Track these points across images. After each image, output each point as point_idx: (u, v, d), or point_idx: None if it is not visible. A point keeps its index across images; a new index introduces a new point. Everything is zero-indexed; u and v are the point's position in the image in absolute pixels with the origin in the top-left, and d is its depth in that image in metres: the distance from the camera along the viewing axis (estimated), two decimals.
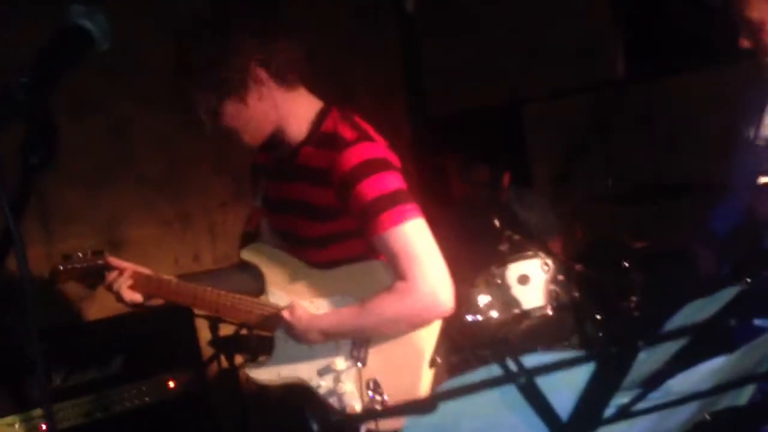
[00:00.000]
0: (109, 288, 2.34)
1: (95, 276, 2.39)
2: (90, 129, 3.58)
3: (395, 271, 2.00)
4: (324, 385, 2.13)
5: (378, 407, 1.95)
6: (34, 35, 2.04)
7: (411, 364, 2.07)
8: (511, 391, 0.75)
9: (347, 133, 2.07)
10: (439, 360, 2.09)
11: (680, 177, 3.78)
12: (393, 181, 2.03)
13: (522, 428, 0.78)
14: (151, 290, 2.33)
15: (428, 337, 2.08)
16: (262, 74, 2.05)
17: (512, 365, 0.74)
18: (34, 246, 3.41)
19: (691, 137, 3.85)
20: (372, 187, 1.99)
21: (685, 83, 4.19)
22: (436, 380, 2.11)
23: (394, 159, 2.11)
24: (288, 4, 4.03)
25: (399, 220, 1.97)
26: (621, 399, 0.84)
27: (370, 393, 1.98)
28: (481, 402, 0.78)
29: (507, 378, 0.74)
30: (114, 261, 2.37)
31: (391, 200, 1.99)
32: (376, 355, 2.08)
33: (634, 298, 3.55)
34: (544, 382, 0.76)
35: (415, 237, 1.98)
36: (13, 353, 2.83)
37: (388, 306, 2.01)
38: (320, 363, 2.14)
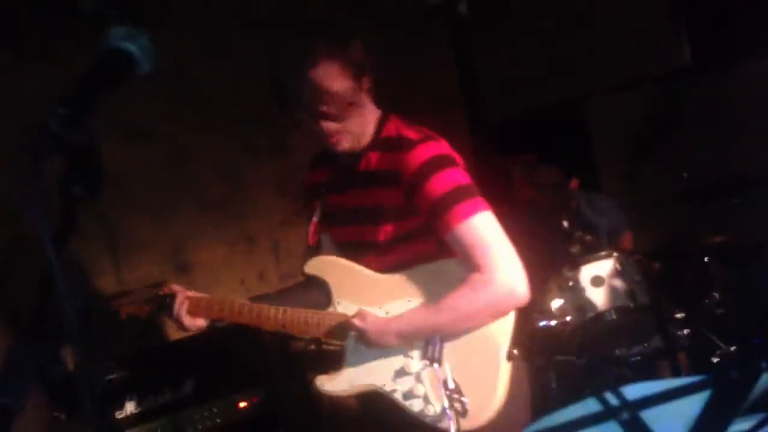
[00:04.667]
0: (169, 316, 2.36)
1: (154, 306, 2.39)
2: (150, 157, 3.61)
3: (469, 263, 2.01)
4: (399, 389, 2.11)
5: (457, 406, 1.92)
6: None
7: (488, 359, 2.05)
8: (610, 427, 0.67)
9: (411, 134, 2.12)
10: (516, 352, 2.06)
11: (759, 167, 3.61)
12: (460, 176, 2.07)
13: None
14: (213, 314, 2.33)
15: (503, 329, 2.07)
16: (371, 64, 2.12)
17: (613, 399, 0.66)
18: (104, 276, 3.45)
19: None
20: (440, 183, 2.03)
21: (757, 69, 4.00)
22: (515, 373, 2.08)
23: (458, 157, 2.15)
24: (339, 19, 4.09)
25: (469, 212, 1.99)
26: (740, 426, 0.74)
27: (448, 393, 1.94)
28: None
29: (609, 414, 0.65)
30: (172, 287, 2.38)
31: (460, 194, 2.02)
32: (451, 353, 2.05)
33: (716, 295, 3.39)
34: (649, 413, 0.68)
35: (486, 228, 2.00)
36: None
37: (465, 299, 2.00)
38: (394, 367, 2.12)
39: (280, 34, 2.36)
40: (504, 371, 2.05)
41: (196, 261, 3.76)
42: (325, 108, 2.05)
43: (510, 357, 2.05)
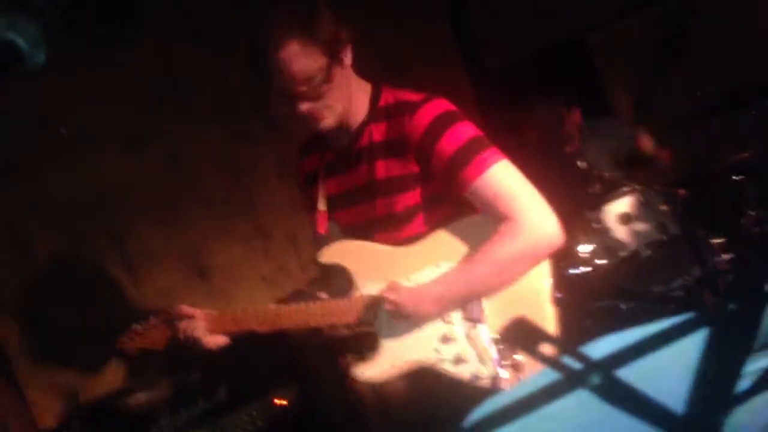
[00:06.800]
0: (186, 339, 2.19)
1: (169, 333, 2.25)
2: (148, 162, 3.51)
3: (495, 216, 1.92)
4: (446, 358, 1.99)
5: (510, 362, 1.81)
6: None
7: (531, 307, 1.95)
8: (581, 398, 0.54)
9: (411, 96, 2.04)
10: (559, 295, 1.98)
11: None
12: (470, 130, 1.98)
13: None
14: (230, 327, 2.19)
15: (540, 274, 1.97)
16: (349, 40, 1.99)
17: (573, 362, 0.53)
18: (122, 293, 3.38)
19: None
20: (452, 140, 1.94)
21: None
22: (563, 317, 1.98)
23: (461, 112, 2.05)
24: None
25: (487, 164, 1.91)
26: (759, 362, 0.61)
27: (499, 349, 1.85)
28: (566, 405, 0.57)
29: (572, 381, 0.52)
30: (183, 309, 2.22)
31: (473, 148, 1.94)
32: (492, 310, 1.96)
33: (751, 213, 3.22)
34: (633, 373, 0.54)
35: (506, 177, 1.92)
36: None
37: (498, 251, 1.92)
38: (435, 336, 2.01)
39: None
40: (551, 316, 1.95)
41: (214, 264, 3.67)
42: (297, 89, 1.94)
43: (555, 301, 1.96)
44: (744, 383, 0.60)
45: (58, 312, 3.24)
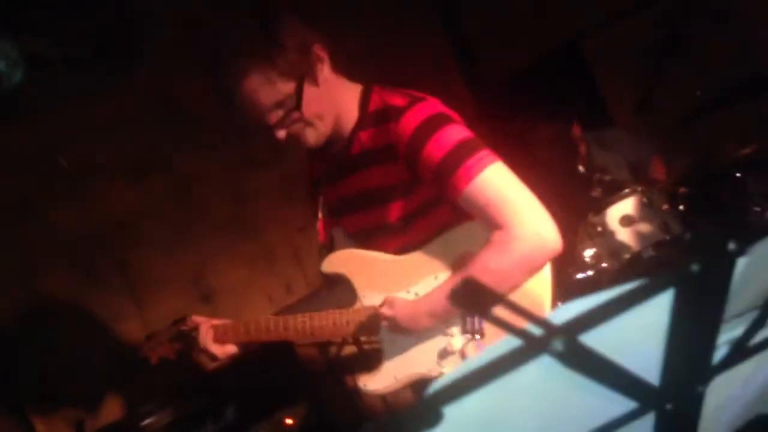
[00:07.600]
0: (198, 349, 2.25)
1: (182, 343, 2.31)
2: (153, 188, 3.53)
3: (489, 223, 1.83)
4: (446, 371, 1.92)
5: None
6: None
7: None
8: (544, 366, 0.51)
9: (397, 101, 1.95)
10: (561, 304, 1.88)
11: None
12: (458, 133, 1.88)
13: (600, 408, 0.55)
14: (240, 337, 2.22)
15: (542, 284, 1.91)
16: (322, 52, 1.94)
17: (534, 328, 0.51)
18: (127, 321, 3.39)
19: None
20: (438, 146, 1.85)
21: None
22: None
23: (452, 113, 1.96)
24: (324, 5, 3.98)
25: (476, 170, 1.82)
26: (732, 332, 0.59)
27: None
28: (532, 379, 0.55)
29: (534, 347, 0.50)
30: (195, 319, 2.29)
31: (461, 153, 1.84)
32: None
33: (756, 208, 3.19)
34: (593, 336, 0.52)
35: (498, 181, 1.82)
36: None
37: (492, 261, 1.82)
38: (435, 349, 1.99)
39: None
40: None
41: (218, 287, 3.67)
42: (268, 120, 1.92)
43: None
44: (721, 352, 0.58)
45: (65, 342, 3.25)
